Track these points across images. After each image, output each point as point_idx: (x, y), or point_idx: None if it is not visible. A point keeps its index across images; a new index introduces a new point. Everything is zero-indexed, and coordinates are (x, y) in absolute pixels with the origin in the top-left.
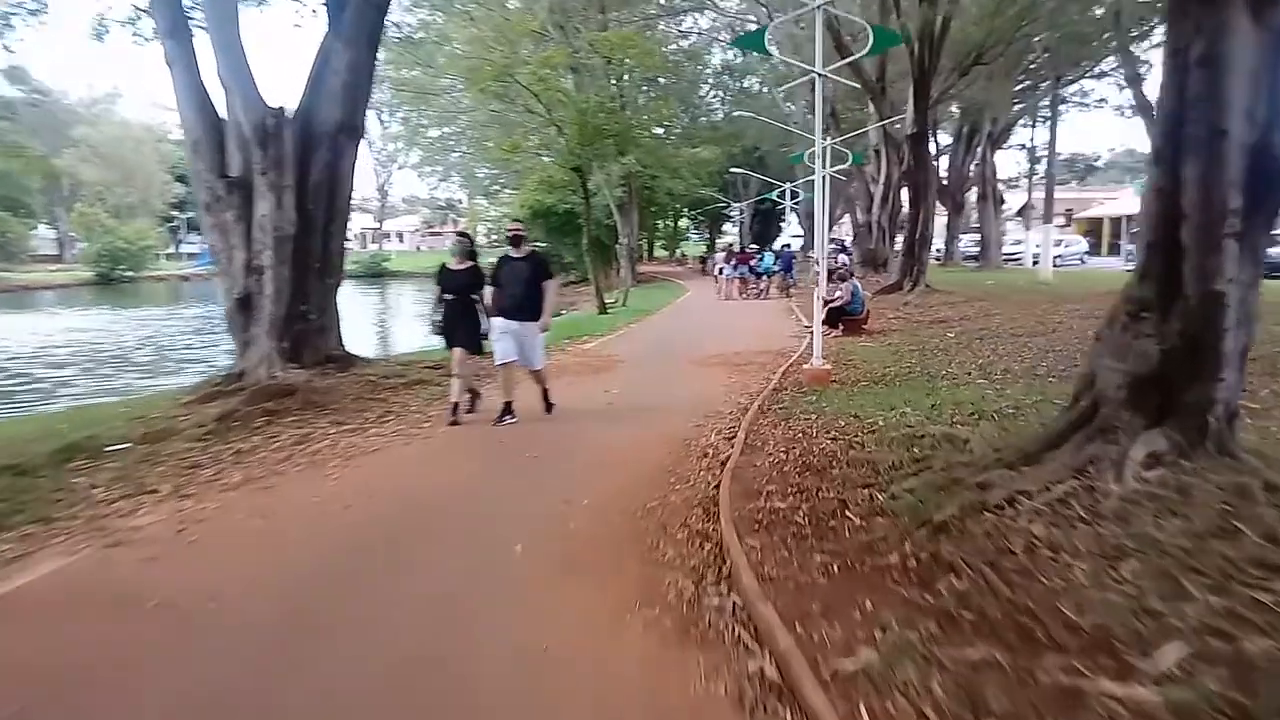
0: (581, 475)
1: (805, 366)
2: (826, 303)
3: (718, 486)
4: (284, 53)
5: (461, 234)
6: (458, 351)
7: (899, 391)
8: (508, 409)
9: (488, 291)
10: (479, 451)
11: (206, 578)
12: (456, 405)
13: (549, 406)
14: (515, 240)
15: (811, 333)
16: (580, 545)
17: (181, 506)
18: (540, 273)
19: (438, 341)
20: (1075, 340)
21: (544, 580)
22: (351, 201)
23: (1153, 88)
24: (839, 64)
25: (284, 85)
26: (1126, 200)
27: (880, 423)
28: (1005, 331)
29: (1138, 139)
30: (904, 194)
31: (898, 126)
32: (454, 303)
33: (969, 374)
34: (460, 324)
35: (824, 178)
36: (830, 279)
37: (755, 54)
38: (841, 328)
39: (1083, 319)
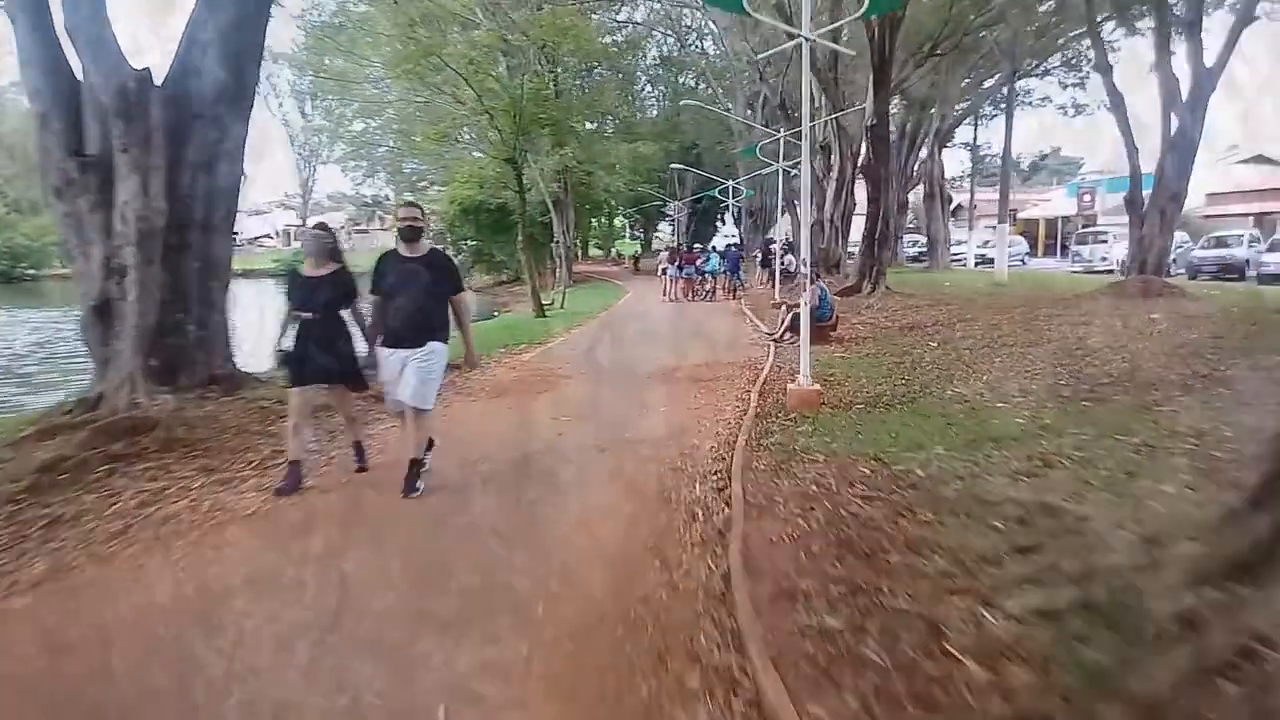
0: (528, 558)
1: (790, 386)
2: (790, 307)
3: (725, 577)
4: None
5: (320, 226)
6: (306, 393)
7: (910, 419)
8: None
9: (369, 305)
10: (385, 520)
11: None
12: (297, 464)
13: (415, 475)
14: (410, 234)
15: (776, 343)
16: (538, 708)
17: None
18: (446, 281)
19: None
20: (1079, 352)
21: None
22: (242, 186)
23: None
24: (830, 27)
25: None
26: (1059, 202)
27: (919, 471)
28: (995, 341)
29: (1065, 141)
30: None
31: (847, 128)
32: (312, 323)
33: (981, 395)
34: (321, 351)
35: (799, 165)
36: (793, 280)
37: (694, 49)
38: None
39: (1074, 325)
